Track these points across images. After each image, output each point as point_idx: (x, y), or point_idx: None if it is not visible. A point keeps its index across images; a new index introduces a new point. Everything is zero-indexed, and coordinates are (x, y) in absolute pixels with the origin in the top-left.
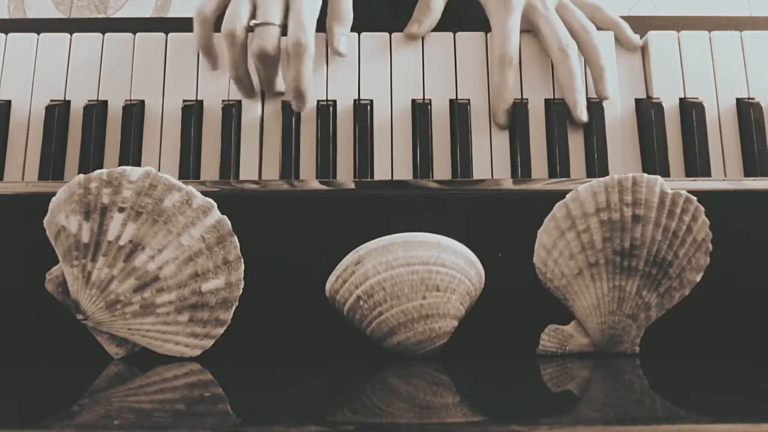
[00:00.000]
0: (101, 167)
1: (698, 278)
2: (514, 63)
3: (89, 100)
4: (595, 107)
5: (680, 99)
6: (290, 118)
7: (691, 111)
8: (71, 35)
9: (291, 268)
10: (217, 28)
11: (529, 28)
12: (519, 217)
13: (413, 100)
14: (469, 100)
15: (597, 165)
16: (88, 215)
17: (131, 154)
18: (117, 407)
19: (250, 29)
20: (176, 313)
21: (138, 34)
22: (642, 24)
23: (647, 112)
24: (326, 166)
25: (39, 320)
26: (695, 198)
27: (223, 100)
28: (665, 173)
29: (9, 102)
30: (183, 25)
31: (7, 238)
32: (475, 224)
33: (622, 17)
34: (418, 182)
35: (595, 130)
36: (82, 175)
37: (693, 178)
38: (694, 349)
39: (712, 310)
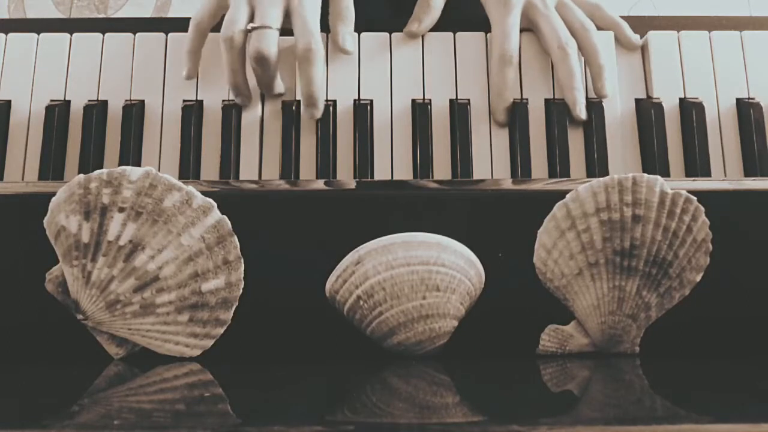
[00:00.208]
0: (101, 167)
1: (698, 278)
2: (514, 62)
3: (89, 100)
4: (595, 107)
5: (680, 99)
6: (290, 118)
7: (691, 111)
8: (71, 35)
9: (291, 268)
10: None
11: (529, 26)
12: (519, 217)
13: (413, 100)
14: (469, 100)
15: (597, 165)
16: (88, 215)
17: (131, 154)
18: (117, 407)
19: (248, 32)
20: (176, 313)
21: (138, 34)
22: (642, 24)
23: (647, 112)
24: (326, 166)
25: (39, 320)
26: (695, 198)
27: (223, 100)
28: (665, 173)
29: (9, 102)
30: (183, 25)
31: (7, 238)
32: (475, 224)
33: (622, 17)
34: (418, 182)
35: (595, 130)
36: (82, 175)
37: (693, 178)
38: (694, 349)
39: (712, 310)
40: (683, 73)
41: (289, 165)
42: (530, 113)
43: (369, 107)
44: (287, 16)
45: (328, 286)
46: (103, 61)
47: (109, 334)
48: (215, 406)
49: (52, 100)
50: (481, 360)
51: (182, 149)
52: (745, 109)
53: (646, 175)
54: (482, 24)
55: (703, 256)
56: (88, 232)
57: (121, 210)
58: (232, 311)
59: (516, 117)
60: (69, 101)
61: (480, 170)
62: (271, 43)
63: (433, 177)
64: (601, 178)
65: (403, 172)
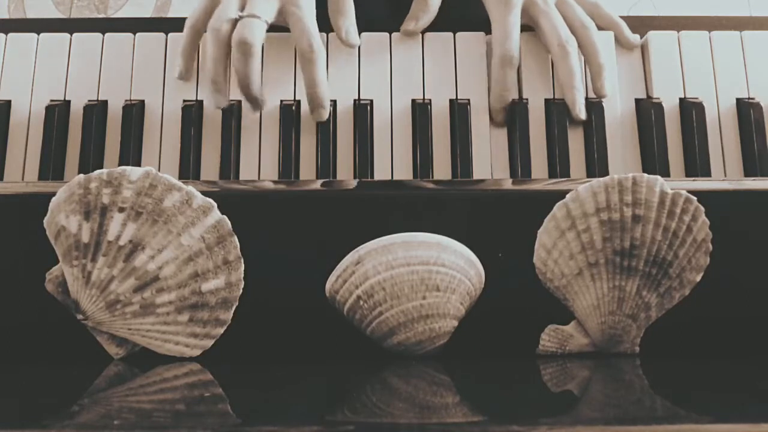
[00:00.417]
0: (101, 167)
1: (698, 278)
2: (515, 62)
3: (89, 100)
4: (595, 107)
5: (680, 99)
6: (290, 118)
7: (691, 111)
8: (71, 35)
9: (291, 268)
10: None
11: (529, 23)
12: (519, 217)
13: (413, 100)
14: (469, 100)
15: (597, 165)
16: (88, 215)
17: (131, 154)
18: (117, 407)
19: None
20: (176, 313)
21: (138, 34)
22: (642, 24)
23: (647, 112)
24: (326, 166)
25: (39, 320)
26: (695, 198)
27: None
28: (665, 173)
29: (9, 102)
30: (183, 25)
31: (7, 238)
32: (475, 224)
33: (622, 17)
34: (418, 182)
35: (595, 130)
36: (82, 175)
37: (693, 178)
38: (694, 349)
39: (712, 310)
40: (683, 73)
41: (289, 165)
42: (530, 113)
43: (369, 107)
44: (280, 14)
45: (328, 286)
46: (103, 61)
47: (109, 334)
48: (215, 406)
49: (52, 100)
50: (481, 360)
51: (182, 149)
52: (745, 109)
53: (646, 175)
54: (482, 24)
55: (703, 256)
56: (88, 232)
57: (121, 210)
58: (232, 311)
59: (516, 117)
60: (69, 101)
61: (480, 170)
62: (256, 31)
63: (433, 177)
64: (601, 178)
65: (403, 172)
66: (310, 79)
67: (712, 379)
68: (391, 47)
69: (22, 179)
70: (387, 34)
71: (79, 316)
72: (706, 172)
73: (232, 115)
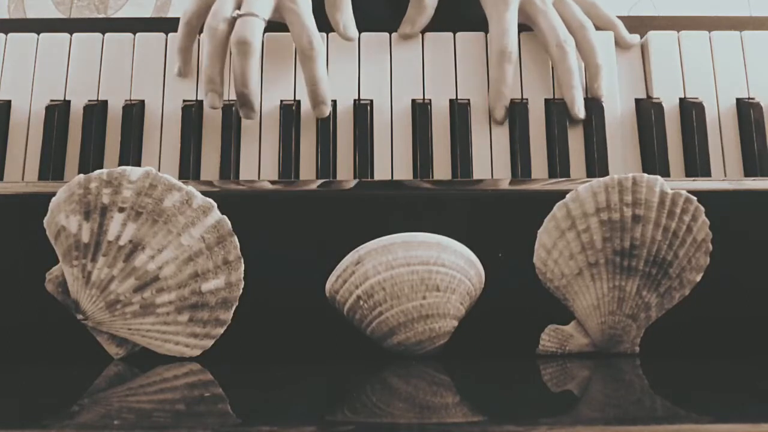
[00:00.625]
0: (101, 167)
1: (698, 278)
2: (513, 58)
3: (89, 100)
4: (595, 107)
5: (680, 99)
6: (290, 118)
7: (691, 111)
8: (71, 35)
9: (291, 268)
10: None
11: (527, 23)
12: (519, 217)
13: (413, 100)
14: (469, 100)
15: (597, 165)
16: (88, 215)
17: (131, 154)
18: (117, 407)
19: (233, 22)
20: (176, 313)
21: (138, 34)
22: (642, 24)
23: (647, 112)
24: (326, 166)
25: (39, 320)
26: (695, 198)
27: (223, 100)
28: (665, 173)
29: (9, 102)
30: None
31: (7, 238)
32: (475, 224)
33: (622, 17)
34: (418, 182)
35: (595, 129)
36: (82, 175)
37: (693, 178)
38: (694, 349)
39: (712, 310)
40: (683, 73)
41: (289, 165)
42: (530, 113)
43: (369, 107)
44: (277, 12)
45: (328, 286)
46: (103, 61)
47: (109, 334)
48: (215, 406)
49: (52, 100)
50: (481, 360)
51: (182, 149)
52: (745, 109)
53: (646, 175)
54: (482, 24)
55: (703, 256)
56: (88, 232)
57: (121, 210)
58: (232, 311)
59: (516, 117)
60: (69, 101)
61: (480, 170)
62: (255, 30)
63: (433, 177)
64: (601, 178)
65: (403, 172)
66: (310, 77)
67: (712, 379)
68: (391, 47)
69: (22, 179)
70: (387, 34)
71: (79, 316)
72: (706, 172)
73: (232, 115)
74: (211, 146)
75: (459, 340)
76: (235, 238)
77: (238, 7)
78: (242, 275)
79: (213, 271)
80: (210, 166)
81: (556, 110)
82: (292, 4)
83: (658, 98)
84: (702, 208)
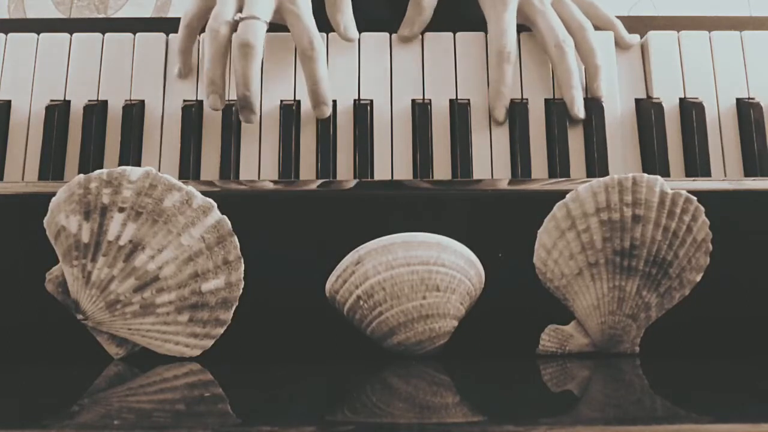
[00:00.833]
0: (101, 167)
1: (698, 278)
2: (512, 58)
3: (89, 100)
4: (595, 107)
5: (680, 99)
6: (290, 118)
7: (691, 111)
8: (71, 35)
9: (291, 268)
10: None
11: (525, 23)
12: (519, 217)
13: (413, 100)
14: (469, 100)
15: (597, 165)
16: (88, 215)
17: (131, 154)
18: (117, 407)
19: (234, 25)
20: (176, 313)
21: (138, 34)
22: (642, 24)
23: (647, 112)
24: (326, 166)
25: (39, 320)
26: (695, 198)
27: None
28: (665, 173)
29: (9, 102)
30: None
31: (7, 238)
32: (475, 224)
33: (622, 17)
34: (418, 182)
35: (595, 129)
36: (82, 175)
37: (693, 178)
38: (694, 349)
39: (712, 310)
40: (683, 73)
41: (289, 165)
42: (530, 113)
43: (369, 107)
44: (278, 13)
45: (328, 286)
46: (103, 61)
47: (109, 334)
48: (215, 406)
49: (52, 100)
50: (481, 360)
51: (182, 149)
52: (745, 109)
53: (646, 175)
54: (482, 24)
55: (703, 256)
56: (88, 232)
57: (121, 210)
58: (232, 311)
59: (516, 117)
60: (69, 101)
61: (480, 170)
62: (258, 33)
63: (433, 177)
64: (601, 178)
65: (403, 172)
66: (311, 77)
67: (712, 379)
68: (391, 47)
69: (22, 179)
70: (387, 34)
71: (79, 316)
72: (706, 172)
73: (232, 115)
74: (211, 146)
75: (459, 340)
76: (235, 238)
77: (239, 10)
78: (242, 275)
79: (213, 271)
80: (210, 166)
81: (556, 110)
82: (292, 6)
83: (658, 98)
84: (702, 208)
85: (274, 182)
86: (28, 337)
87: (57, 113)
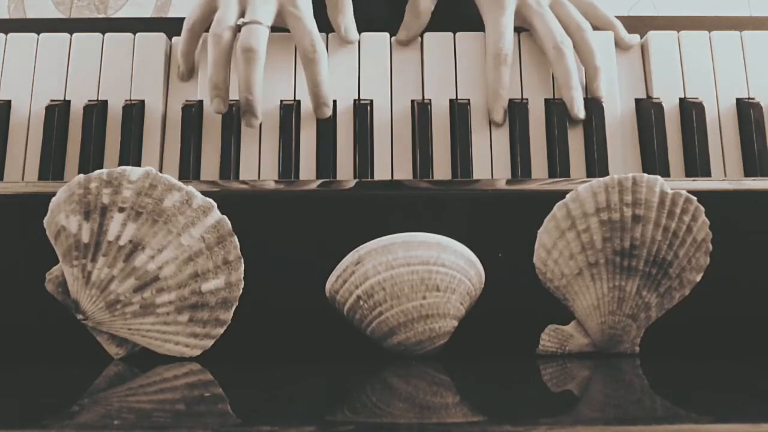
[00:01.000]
0: (101, 167)
1: (698, 278)
2: (508, 60)
3: (89, 100)
4: (595, 107)
5: (680, 99)
6: (290, 118)
7: (691, 111)
8: (71, 35)
9: (291, 268)
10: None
11: (523, 25)
12: (519, 217)
13: (413, 100)
14: (469, 100)
15: (597, 165)
16: (88, 215)
17: (131, 154)
18: (117, 407)
19: (237, 30)
20: (176, 313)
21: (138, 34)
22: (642, 24)
23: (647, 112)
24: (326, 166)
25: (39, 320)
26: (695, 198)
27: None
28: (665, 173)
29: (9, 102)
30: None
31: (7, 238)
32: (475, 224)
33: (622, 17)
34: (418, 182)
35: (595, 130)
36: (82, 175)
37: (693, 178)
38: (694, 349)
39: (712, 310)
40: (683, 73)
41: (289, 165)
42: (530, 113)
43: (369, 107)
44: (279, 16)
45: (328, 286)
46: (103, 61)
47: (109, 334)
48: (215, 406)
49: (52, 100)
50: (481, 360)
51: (182, 149)
52: (745, 109)
53: (646, 175)
54: (482, 24)
55: (703, 256)
56: (88, 232)
57: (121, 210)
58: (232, 311)
59: (516, 117)
60: (69, 101)
61: (480, 170)
62: (261, 38)
63: (433, 177)
64: (601, 178)
65: (403, 172)
66: (313, 79)
67: (712, 379)
68: (391, 47)
69: (22, 179)
70: (387, 35)
71: (79, 316)
72: (706, 172)
73: (232, 115)
74: (211, 146)
75: (459, 340)
76: (235, 238)
77: (242, 14)
78: (242, 275)
79: (213, 271)
80: (210, 166)
81: (556, 110)
82: (294, 9)
83: (658, 98)
84: (702, 208)
85: (274, 182)
86: (28, 337)
87: (57, 113)
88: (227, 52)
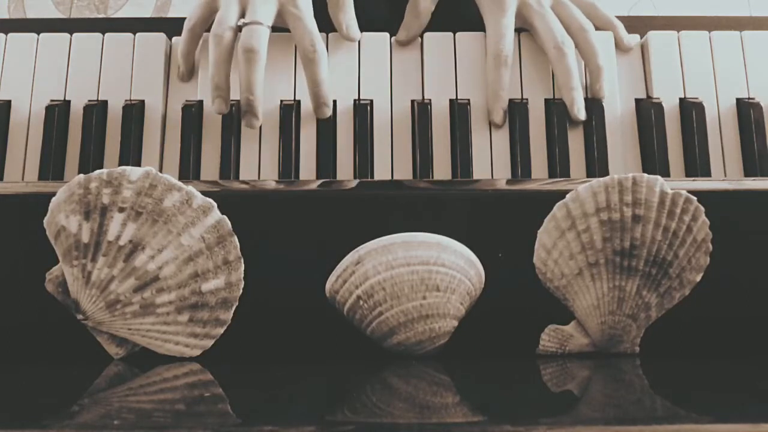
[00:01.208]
0: (101, 167)
1: (698, 278)
2: (508, 62)
3: (89, 100)
4: (595, 107)
5: (680, 99)
6: (290, 118)
7: (691, 111)
8: (71, 35)
9: (291, 268)
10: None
11: (524, 26)
12: (519, 217)
13: (413, 100)
14: (469, 100)
15: (597, 165)
16: (88, 215)
17: (131, 154)
18: (117, 407)
19: (238, 30)
20: (176, 313)
21: (138, 34)
22: (642, 24)
23: (647, 112)
24: (326, 166)
25: (39, 320)
26: (695, 198)
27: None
28: (665, 173)
29: (9, 102)
30: (183, 25)
31: (7, 238)
32: (475, 224)
33: (622, 17)
34: (418, 182)
35: (595, 129)
36: (82, 175)
37: (693, 178)
38: (694, 349)
39: (712, 310)
40: (683, 73)
41: (289, 165)
42: (530, 113)
43: (369, 107)
44: (279, 16)
45: (328, 286)
46: (103, 61)
47: (109, 334)
48: (215, 406)
49: (52, 100)
50: (481, 360)
51: (182, 149)
52: (745, 109)
53: (646, 175)
54: (482, 24)
55: (703, 256)
56: (88, 232)
57: (121, 210)
58: (232, 311)
59: (516, 117)
60: (69, 101)
61: (480, 170)
62: (262, 39)
63: (433, 177)
64: (601, 178)
65: (403, 172)
66: (313, 79)
67: (712, 379)
68: (391, 47)
69: (22, 179)
70: (387, 34)
71: (79, 316)
72: (706, 172)
73: (232, 115)
74: (211, 146)
75: (459, 340)
76: (235, 238)
77: (242, 15)
78: (242, 275)
79: (213, 271)
80: (210, 166)
81: (556, 110)
82: (294, 9)
83: (658, 98)
84: (702, 208)
85: (275, 182)
86: (28, 337)
87: (57, 113)
88: (228, 53)
